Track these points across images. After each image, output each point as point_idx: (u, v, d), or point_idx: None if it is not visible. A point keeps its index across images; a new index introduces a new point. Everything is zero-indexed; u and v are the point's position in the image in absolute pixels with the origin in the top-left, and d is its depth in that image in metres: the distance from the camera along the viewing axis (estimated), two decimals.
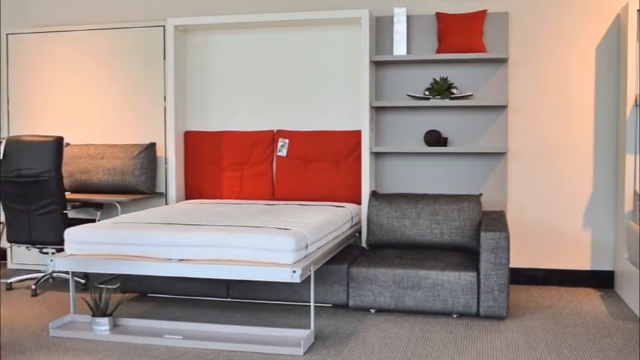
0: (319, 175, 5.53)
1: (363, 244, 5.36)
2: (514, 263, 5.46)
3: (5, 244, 6.23)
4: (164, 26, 5.83)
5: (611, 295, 5.09)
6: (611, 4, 5.21)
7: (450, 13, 5.42)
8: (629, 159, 4.91)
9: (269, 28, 5.74)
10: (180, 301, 4.92)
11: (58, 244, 5.11)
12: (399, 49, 5.38)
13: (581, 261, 5.34)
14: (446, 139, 5.37)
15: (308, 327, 4.26)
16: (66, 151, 5.93)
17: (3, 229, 5.66)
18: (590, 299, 4.96)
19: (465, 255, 4.89)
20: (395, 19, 5.37)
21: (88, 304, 4.13)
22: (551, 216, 5.37)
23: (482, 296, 4.38)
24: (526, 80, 5.36)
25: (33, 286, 5.16)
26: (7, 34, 6.20)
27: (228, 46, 5.83)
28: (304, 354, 3.73)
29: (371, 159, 5.39)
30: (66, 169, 5.86)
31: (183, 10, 5.96)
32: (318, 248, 4.21)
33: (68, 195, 5.63)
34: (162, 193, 5.88)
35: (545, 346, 3.86)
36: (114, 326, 4.16)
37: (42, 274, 5.43)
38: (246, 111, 5.82)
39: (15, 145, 5.10)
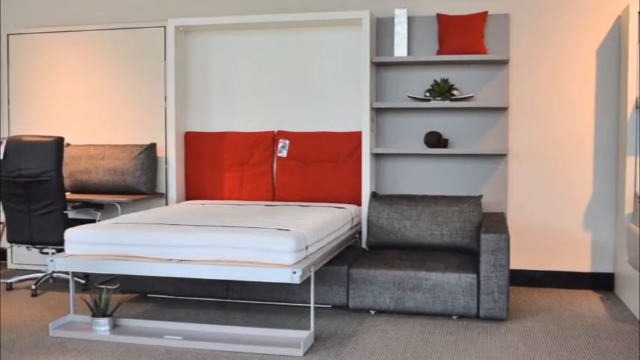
0: (319, 176, 5.53)
1: (363, 246, 5.36)
2: (514, 265, 5.46)
3: (5, 244, 6.23)
4: (165, 27, 5.83)
5: (611, 297, 5.09)
6: (611, 6, 5.21)
7: (451, 14, 5.42)
8: (630, 161, 4.91)
9: (270, 29, 5.74)
10: (180, 302, 4.92)
11: (58, 244, 5.11)
12: (400, 51, 5.38)
13: (581, 263, 5.34)
14: (446, 140, 5.37)
15: (308, 328, 4.26)
16: (66, 151, 5.93)
17: (3, 230, 5.66)
18: (590, 301, 4.95)
19: (465, 256, 4.88)
20: (396, 20, 5.37)
21: (88, 305, 4.13)
22: (551, 218, 5.37)
23: (482, 298, 4.38)
24: (527, 82, 5.36)
25: (33, 287, 5.16)
26: (8, 35, 6.21)
27: (229, 46, 5.83)
28: (304, 355, 3.73)
29: (371, 160, 5.39)
30: (66, 170, 5.86)
31: (184, 11, 5.96)
32: (319, 249, 4.21)
33: (68, 195, 5.63)
34: (162, 194, 5.89)
35: (544, 348, 3.86)
36: (114, 326, 4.15)
37: (42, 275, 5.43)
38: (247, 112, 5.82)
39: (15, 145, 5.10)
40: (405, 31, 5.37)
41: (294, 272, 3.65)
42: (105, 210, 5.89)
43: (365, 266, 4.58)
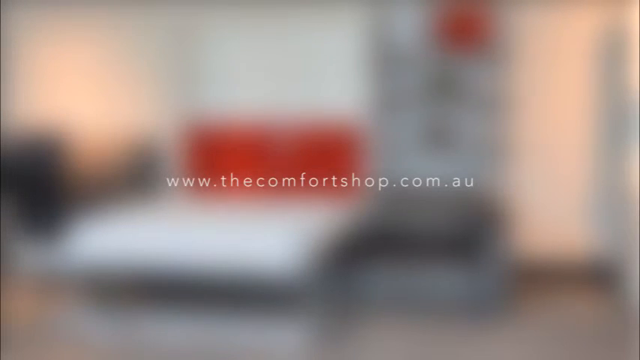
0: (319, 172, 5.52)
1: (364, 242, 5.34)
2: (515, 261, 5.45)
3: None
4: None
5: (613, 293, 5.08)
6: (613, 1, 5.19)
7: (452, 9, 5.40)
8: (631, 156, 4.90)
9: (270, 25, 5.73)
10: (181, 298, 4.91)
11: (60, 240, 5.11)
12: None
13: (582, 259, 5.33)
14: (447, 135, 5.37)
15: (308, 324, 4.26)
16: None
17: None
18: (591, 297, 4.95)
19: (466, 253, 4.88)
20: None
21: (90, 301, 4.13)
22: (552, 213, 5.36)
23: (484, 294, 4.38)
24: (527, 77, 5.35)
25: (34, 282, 5.16)
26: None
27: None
28: (304, 352, 3.73)
29: None
30: None
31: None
32: (320, 245, 4.21)
33: None
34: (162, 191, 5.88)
35: (546, 344, 3.86)
36: (115, 323, 4.16)
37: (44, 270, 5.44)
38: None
39: None
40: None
41: (295, 268, 3.64)
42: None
43: (364, 262, 4.58)
